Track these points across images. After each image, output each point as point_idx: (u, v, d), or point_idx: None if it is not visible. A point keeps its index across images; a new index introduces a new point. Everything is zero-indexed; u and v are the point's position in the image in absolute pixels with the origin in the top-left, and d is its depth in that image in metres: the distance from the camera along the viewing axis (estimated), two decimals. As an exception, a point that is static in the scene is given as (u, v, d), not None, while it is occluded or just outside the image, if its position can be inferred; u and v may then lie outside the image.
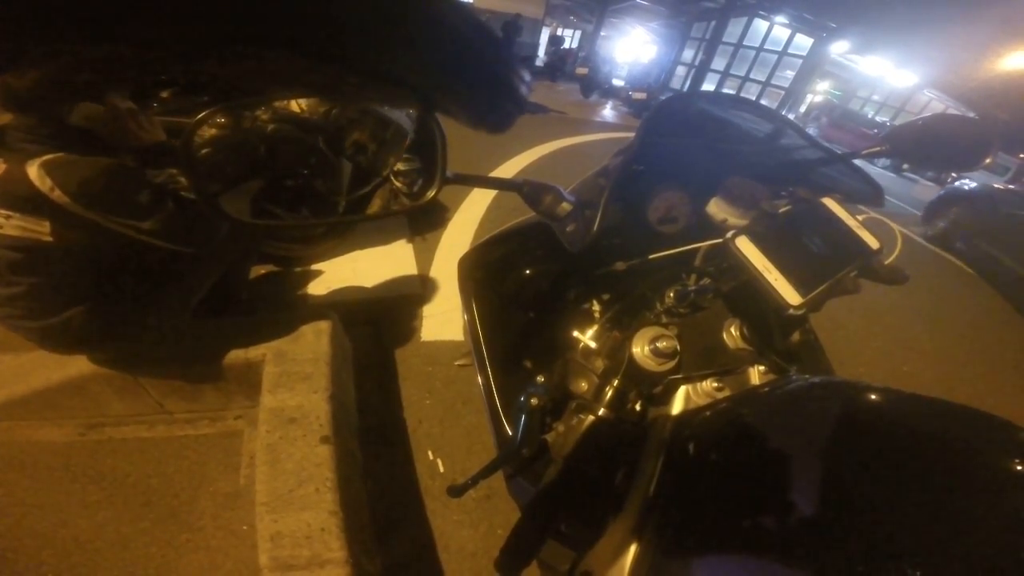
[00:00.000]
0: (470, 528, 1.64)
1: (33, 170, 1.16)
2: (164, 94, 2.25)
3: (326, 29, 0.29)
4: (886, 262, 0.78)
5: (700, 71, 16.38)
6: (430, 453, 1.86)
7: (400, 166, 2.48)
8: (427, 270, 2.89)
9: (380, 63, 0.36)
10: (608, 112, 11.24)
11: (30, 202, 1.18)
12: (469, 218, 3.59)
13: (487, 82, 0.43)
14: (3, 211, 1.18)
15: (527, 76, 0.46)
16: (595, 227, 0.70)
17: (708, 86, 16.21)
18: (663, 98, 0.98)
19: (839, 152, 0.98)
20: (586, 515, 0.68)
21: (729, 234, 0.70)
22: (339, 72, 0.36)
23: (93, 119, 1.28)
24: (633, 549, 0.55)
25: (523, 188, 0.78)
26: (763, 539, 0.44)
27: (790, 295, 0.64)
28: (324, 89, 0.49)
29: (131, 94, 1.43)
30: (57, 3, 0.21)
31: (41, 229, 1.21)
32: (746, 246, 0.68)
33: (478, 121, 0.47)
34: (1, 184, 1.17)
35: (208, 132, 1.76)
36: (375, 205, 2.79)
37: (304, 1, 0.27)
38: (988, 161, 0.89)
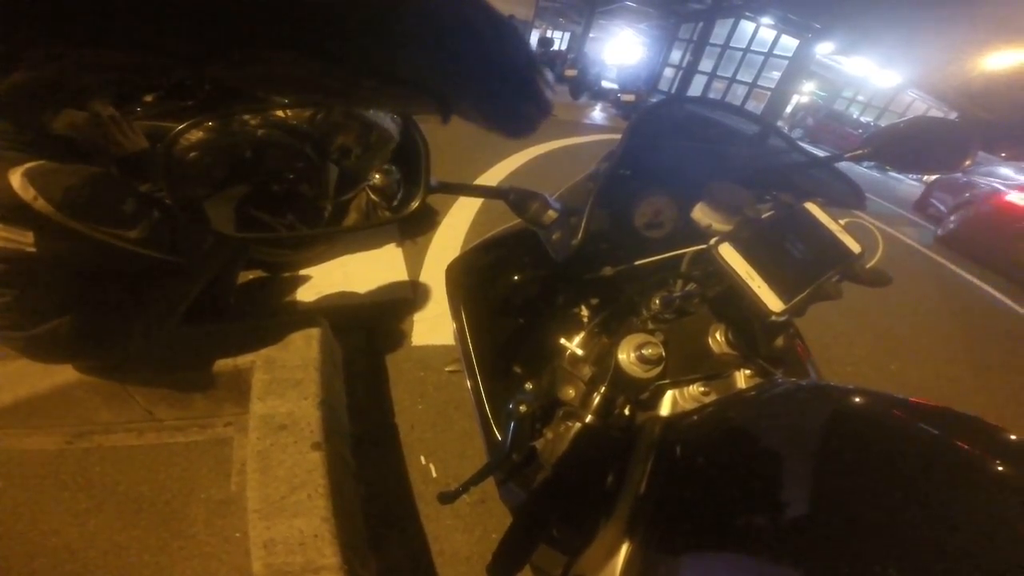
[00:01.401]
0: (464, 533, 1.64)
1: (16, 178, 1.13)
2: (148, 98, 2.23)
3: (339, 29, 0.28)
4: (868, 265, 0.79)
5: (688, 72, 16.49)
6: (423, 458, 1.86)
7: (377, 177, 2.47)
8: (417, 274, 2.89)
9: (396, 65, 0.34)
10: (597, 114, 11.27)
11: (12, 212, 1.15)
12: (459, 221, 3.59)
13: (510, 85, 0.42)
14: None
15: (551, 77, 0.45)
16: (579, 236, 0.71)
17: (696, 87, 16.32)
18: (648, 103, 0.99)
19: (821, 156, 0.99)
20: (577, 519, 0.68)
21: (712, 241, 0.71)
22: (354, 76, 0.35)
23: (76, 126, 1.25)
24: (624, 551, 0.56)
25: (509, 196, 0.79)
26: (751, 540, 0.44)
27: (772, 302, 0.65)
28: (338, 93, 0.47)
29: (114, 99, 1.41)
30: (71, 6, 0.21)
31: (24, 240, 1.18)
32: (729, 253, 0.69)
33: (499, 126, 0.46)
34: None
35: (192, 137, 1.75)
36: (352, 216, 2.78)
37: (317, 1, 0.26)
38: (968, 163, 0.90)
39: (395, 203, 0.77)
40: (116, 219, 1.27)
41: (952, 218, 7.28)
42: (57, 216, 1.17)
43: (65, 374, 1.57)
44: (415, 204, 0.67)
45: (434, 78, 0.38)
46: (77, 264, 1.32)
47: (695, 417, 0.68)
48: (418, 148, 0.67)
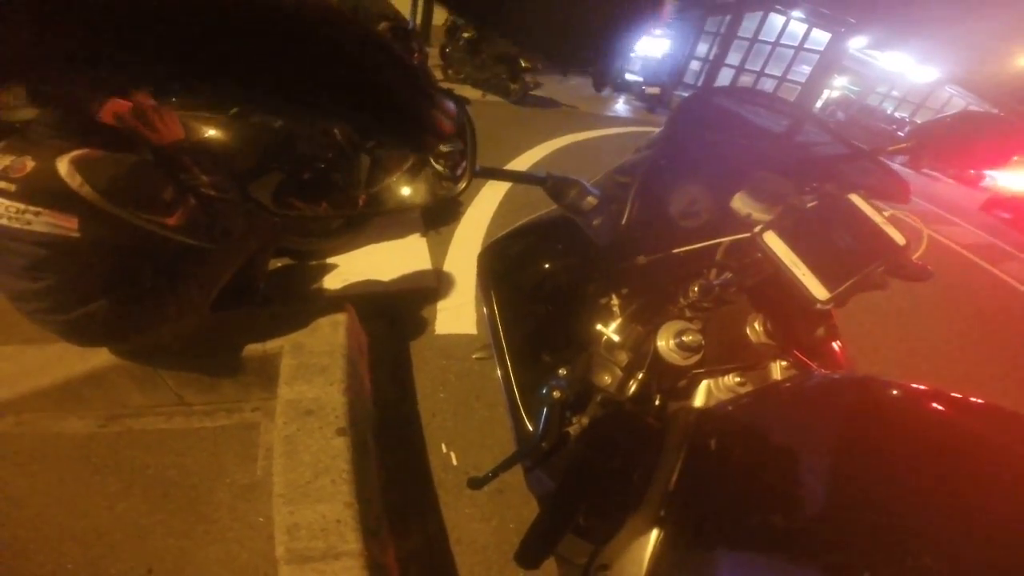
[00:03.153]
0: (482, 522, 1.65)
1: (63, 166, 1.17)
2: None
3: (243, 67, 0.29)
4: (912, 258, 0.77)
5: (715, 66, 16.25)
6: (444, 446, 1.87)
7: (439, 166, 2.51)
8: (441, 264, 2.90)
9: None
10: (621, 107, 11.17)
11: (59, 198, 1.20)
12: (482, 212, 3.60)
13: (401, 114, 0.41)
14: (32, 207, 1.20)
15: (452, 107, 0.44)
16: (624, 220, 0.71)
17: (723, 81, 16.08)
18: (690, 93, 0.98)
19: (865, 149, 0.96)
20: (605, 508, 0.68)
21: (757, 228, 0.70)
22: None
23: (120, 116, 1.29)
24: (652, 542, 0.56)
25: (547, 182, 0.79)
26: (784, 534, 0.44)
27: (817, 290, 0.64)
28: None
29: (152, 89, 1.44)
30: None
31: (69, 225, 1.23)
32: (773, 241, 0.68)
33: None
34: (30, 181, 1.19)
35: (230, 125, 1.78)
36: (420, 192, 2.80)
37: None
38: (1016, 159, 0.87)
39: (457, 173, 0.78)
40: (156, 206, 1.31)
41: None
42: (101, 202, 1.22)
43: (100, 358, 1.61)
44: (463, 186, 0.68)
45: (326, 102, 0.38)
46: (117, 249, 1.35)
47: (730, 408, 0.68)
48: (465, 132, 0.67)
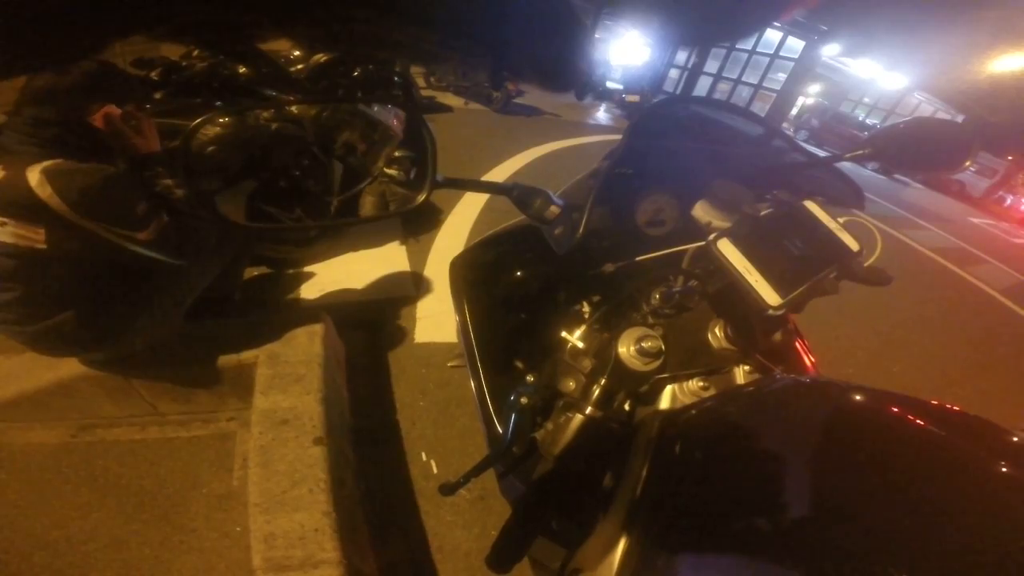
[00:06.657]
0: (463, 529, 1.65)
1: (34, 176, 1.15)
2: (157, 95, 2.26)
3: None
4: (866, 263, 0.79)
5: (693, 74, 16.44)
6: (424, 455, 1.87)
7: (393, 171, 2.54)
8: (421, 272, 2.90)
9: (459, 20, 0.37)
10: (602, 114, 11.28)
11: (26, 208, 1.17)
12: (462, 220, 3.60)
13: (563, 42, 0.45)
14: None
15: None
16: (580, 230, 0.72)
17: (701, 89, 16.28)
18: (651, 102, 1.01)
19: (822, 156, 0.99)
20: (576, 512, 0.68)
21: (711, 236, 0.71)
22: (421, 31, 0.37)
23: (111, 119, 1.29)
24: (621, 546, 0.56)
25: (513, 192, 0.80)
26: (748, 537, 0.44)
27: (769, 296, 0.65)
28: (406, 48, 0.50)
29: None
30: None
31: (36, 237, 1.20)
32: (727, 248, 0.69)
33: (548, 80, 0.50)
34: None
35: (209, 131, 1.77)
36: (367, 207, 2.81)
37: None
38: (968, 164, 0.90)
39: (409, 192, 0.80)
40: (127, 221, 1.29)
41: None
42: (71, 215, 1.19)
43: (69, 368, 1.58)
44: (421, 198, 0.68)
45: (492, 33, 0.41)
46: (85, 261, 1.33)
47: (693, 411, 0.68)
48: (425, 144, 0.68)
